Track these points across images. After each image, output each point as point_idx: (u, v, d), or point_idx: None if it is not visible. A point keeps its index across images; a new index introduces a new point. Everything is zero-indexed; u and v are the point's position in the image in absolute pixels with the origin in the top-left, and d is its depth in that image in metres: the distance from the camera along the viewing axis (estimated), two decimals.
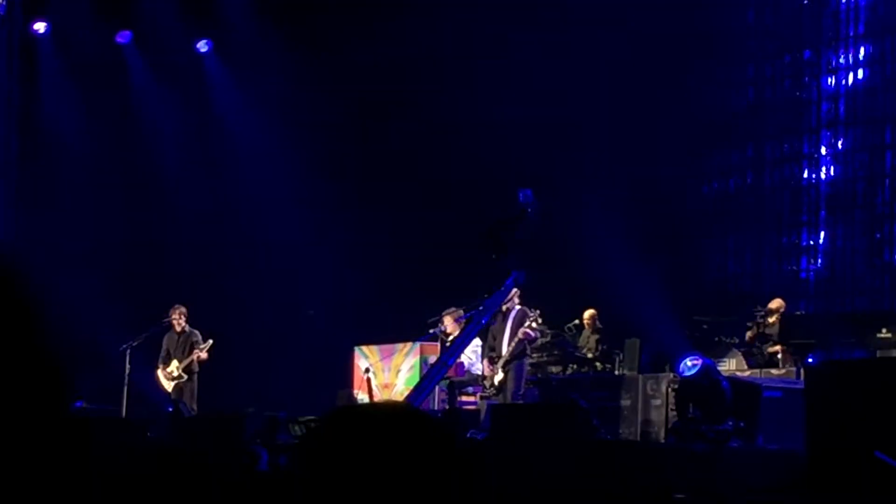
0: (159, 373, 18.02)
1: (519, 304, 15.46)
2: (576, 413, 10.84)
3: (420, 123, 22.03)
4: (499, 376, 15.18)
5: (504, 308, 15.42)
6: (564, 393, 16.54)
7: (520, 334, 15.09)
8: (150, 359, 18.20)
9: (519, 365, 15.32)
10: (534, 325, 15.15)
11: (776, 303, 17.25)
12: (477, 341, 16.79)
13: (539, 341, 17.00)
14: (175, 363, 17.84)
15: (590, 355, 18.03)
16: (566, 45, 21.53)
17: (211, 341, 17.87)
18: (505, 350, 15.22)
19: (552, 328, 18.00)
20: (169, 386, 17.93)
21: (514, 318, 15.28)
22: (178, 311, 18.06)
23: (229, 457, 11.23)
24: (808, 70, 22.96)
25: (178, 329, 18.07)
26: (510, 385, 15.12)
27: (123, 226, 21.40)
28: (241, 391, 17.96)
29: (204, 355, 17.86)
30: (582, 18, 21.04)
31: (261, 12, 22.15)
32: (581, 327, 18.39)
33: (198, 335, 18.04)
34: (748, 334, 17.19)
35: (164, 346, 18.12)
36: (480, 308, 5.77)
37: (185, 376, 17.84)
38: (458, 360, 16.63)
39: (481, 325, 6.49)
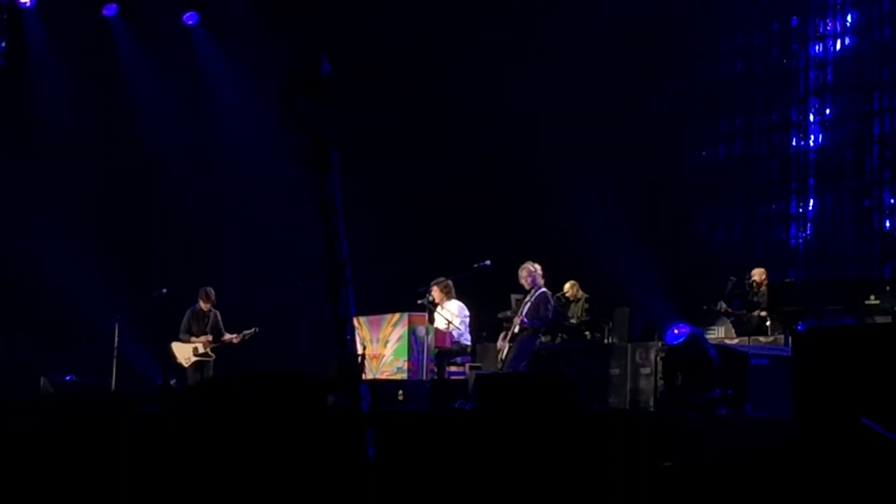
0: (181, 344, 17.86)
1: (542, 284, 15.57)
2: (563, 383, 10.82)
3: (411, 91, 21.97)
4: (505, 349, 15.31)
5: (528, 286, 15.53)
6: (554, 362, 16.55)
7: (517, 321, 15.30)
8: (138, 331, 18.13)
9: (524, 340, 15.39)
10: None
11: (757, 272, 17.28)
12: (465, 311, 16.74)
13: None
14: (205, 339, 17.74)
15: (574, 321, 18.00)
16: (559, 14, 21.49)
17: (256, 328, 17.90)
18: (516, 326, 15.35)
19: None
20: (187, 359, 17.75)
21: (534, 299, 15.39)
22: (207, 294, 17.96)
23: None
24: (796, 37, 22.93)
25: (206, 309, 17.98)
26: (509, 357, 15.19)
27: (113, 199, 21.33)
28: (231, 364, 17.90)
29: (237, 339, 17.84)
30: None
31: None
32: (570, 298, 18.37)
33: (218, 315, 17.99)
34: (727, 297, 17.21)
35: (187, 320, 17.94)
36: (326, 201, 5.57)
37: (213, 356, 17.81)
38: (448, 331, 16.60)
39: (339, 214, 6.19)
